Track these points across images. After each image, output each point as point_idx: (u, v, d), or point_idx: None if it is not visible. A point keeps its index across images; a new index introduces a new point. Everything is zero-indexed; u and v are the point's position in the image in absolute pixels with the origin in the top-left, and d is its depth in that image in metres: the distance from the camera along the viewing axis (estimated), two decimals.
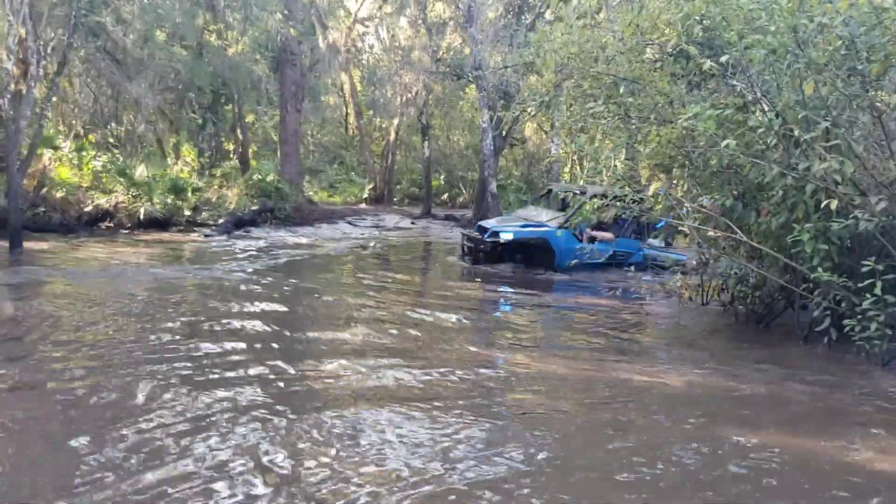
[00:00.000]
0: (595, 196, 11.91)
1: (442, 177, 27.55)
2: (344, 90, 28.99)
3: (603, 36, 7.89)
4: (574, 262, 11.00)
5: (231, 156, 22.64)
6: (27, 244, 10.95)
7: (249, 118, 24.79)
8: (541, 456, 3.79)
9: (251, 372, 4.98)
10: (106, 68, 15.82)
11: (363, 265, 12.11)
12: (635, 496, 3.35)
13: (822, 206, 5.77)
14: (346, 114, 30.90)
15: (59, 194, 14.02)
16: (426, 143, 22.73)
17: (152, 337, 5.77)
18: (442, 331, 6.95)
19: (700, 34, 7.41)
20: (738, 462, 3.79)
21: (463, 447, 3.85)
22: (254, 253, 12.20)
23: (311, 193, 23.15)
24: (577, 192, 11.87)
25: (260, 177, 18.50)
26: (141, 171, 15.52)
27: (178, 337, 5.81)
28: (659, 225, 11.68)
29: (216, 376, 4.85)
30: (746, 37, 6.39)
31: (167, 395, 4.38)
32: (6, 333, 5.78)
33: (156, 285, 8.30)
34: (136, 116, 18.29)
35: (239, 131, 22.65)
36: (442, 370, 5.25)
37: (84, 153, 15.55)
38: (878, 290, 5.41)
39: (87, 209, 14.21)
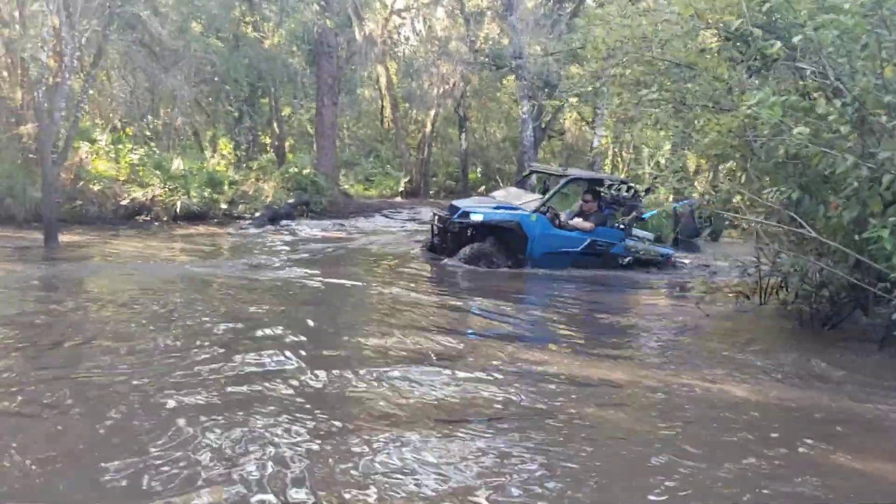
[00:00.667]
0: (578, 179, 11.30)
1: (479, 169, 27.12)
2: (380, 83, 28.71)
3: (658, 18, 7.41)
4: (548, 251, 10.07)
5: (267, 149, 22.49)
6: (63, 237, 10.85)
7: (286, 111, 24.64)
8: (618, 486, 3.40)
9: (286, 387, 4.65)
10: (142, 60, 15.70)
11: (403, 261, 11.74)
12: None
13: None
14: (382, 106, 30.61)
15: (95, 187, 13.94)
16: (463, 136, 22.36)
17: (181, 345, 5.46)
18: (487, 334, 6.60)
19: (762, 17, 6.94)
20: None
21: (515, 466, 3.50)
22: (290, 247, 11.96)
23: (346, 187, 22.91)
24: (559, 174, 11.02)
25: (296, 170, 18.30)
26: (177, 165, 15.40)
27: (209, 344, 5.48)
28: (645, 216, 11.04)
29: (248, 389, 4.54)
30: (817, 16, 5.91)
31: (200, 416, 4.06)
32: (32, 339, 5.53)
33: (190, 283, 8.06)
34: (172, 109, 18.18)
35: (275, 124, 22.49)
36: (491, 379, 4.89)
37: (121, 146, 15.48)
38: None
39: (123, 202, 14.11)
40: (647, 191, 10.54)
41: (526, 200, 10.46)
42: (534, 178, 13.55)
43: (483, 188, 27.40)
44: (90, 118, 16.60)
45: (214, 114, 19.92)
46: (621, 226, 10.47)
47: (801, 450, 3.92)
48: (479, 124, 27.82)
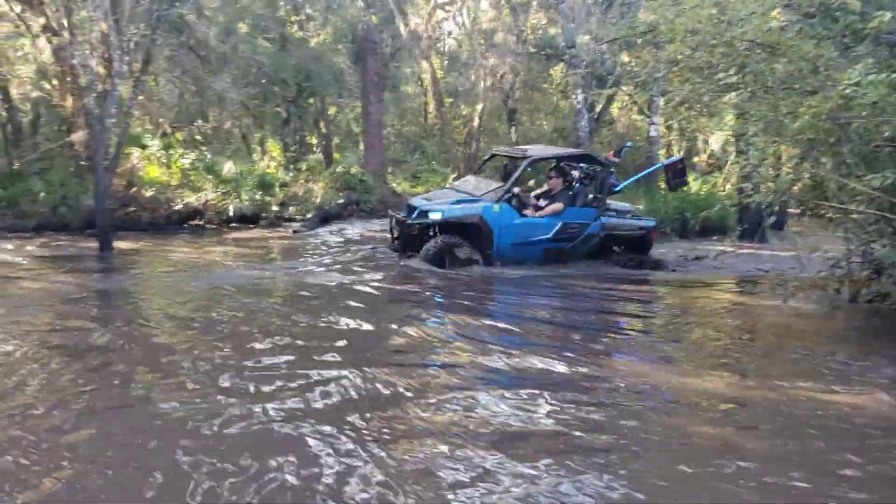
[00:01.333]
0: (541, 160, 10.46)
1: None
2: (423, 78, 28.39)
3: None
4: (517, 242, 9.13)
5: (314, 149, 22.35)
6: (117, 244, 10.76)
7: (331, 110, 24.48)
8: None
9: (346, 408, 4.31)
10: (189, 64, 15.61)
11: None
12: None
13: None
14: (426, 102, 30.29)
15: (148, 193, 13.89)
16: (513, 129, 21.88)
17: (236, 361, 5.16)
18: (555, 344, 6.19)
19: None
20: None
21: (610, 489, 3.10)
22: (343, 248, 11.68)
23: (394, 185, 22.65)
24: (519, 156, 9.86)
25: (344, 169, 18.10)
26: (228, 168, 15.31)
27: (267, 360, 5.16)
28: (617, 189, 10.17)
29: (306, 407, 4.21)
30: None
31: (255, 437, 3.76)
32: (93, 362, 5.29)
33: (246, 292, 7.75)
34: (221, 112, 18.11)
35: (322, 124, 22.33)
36: (569, 397, 4.46)
37: (172, 151, 15.44)
38: None
39: (176, 207, 14.05)
40: (615, 159, 9.99)
41: (487, 190, 9.42)
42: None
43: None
44: (140, 124, 16.60)
45: (262, 115, 19.82)
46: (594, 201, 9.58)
47: None
48: (527, 116, 27.33)
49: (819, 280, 7.63)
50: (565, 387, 4.52)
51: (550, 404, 4.17)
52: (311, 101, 21.18)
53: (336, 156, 21.34)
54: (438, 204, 9.24)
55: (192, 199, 14.28)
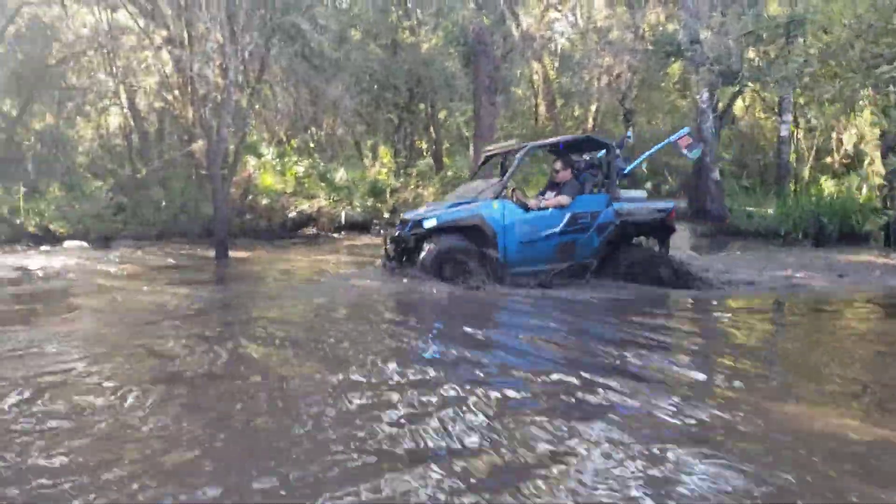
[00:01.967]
0: (537, 148, 9.33)
1: (644, 164, 25.56)
2: (534, 79, 27.84)
3: None
4: (525, 240, 8.05)
5: (424, 154, 22.26)
6: (233, 252, 10.83)
7: (441, 114, 24.36)
8: None
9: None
10: (304, 72, 15.75)
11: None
12: None
13: None
14: (536, 104, 29.71)
15: (263, 201, 14.08)
16: (630, 129, 20.98)
17: (360, 383, 4.80)
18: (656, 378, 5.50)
19: None
20: None
21: None
22: None
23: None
24: (515, 147, 8.91)
25: (454, 174, 17.84)
26: (341, 175, 15.35)
27: (391, 395, 4.79)
28: (626, 171, 8.89)
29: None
30: None
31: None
32: (204, 388, 5.06)
33: (363, 310, 7.42)
34: (334, 120, 18.25)
35: (432, 129, 22.21)
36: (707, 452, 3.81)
37: (286, 159, 15.63)
38: None
39: (290, 215, 14.17)
40: (622, 143, 8.85)
41: (484, 188, 8.52)
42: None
43: (648, 184, 25.81)
44: (256, 132, 16.92)
45: (374, 122, 19.86)
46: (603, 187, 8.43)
47: None
48: (643, 116, 26.30)
49: None
50: (699, 441, 3.90)
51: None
52: (422, 105, 21.09)
53: (446, 160, 21.13)
54: (433, 212, 8.35)
55: (306, 206, 14.36)
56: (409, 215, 8.71)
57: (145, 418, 3.82)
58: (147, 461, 3.25)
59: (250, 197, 13.97)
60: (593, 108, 23.94)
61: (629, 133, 10.58)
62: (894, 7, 6.00)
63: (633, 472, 3.26)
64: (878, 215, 12.42)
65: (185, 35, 11.43)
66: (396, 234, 8.61)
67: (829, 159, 23.11)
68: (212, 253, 10.75)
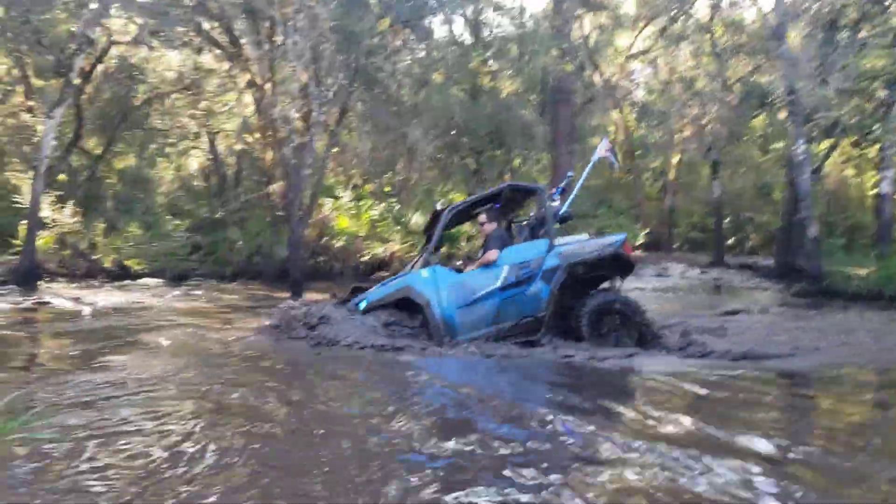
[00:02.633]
0: (456, 210, 8.22)
1: (727, 219, 24.59)
2: (611, 129, 27.32)
3: None
4: (463, 304, 7.27)
5: None
6: (307, 294, 10.58)
7: (515, 161, 24.03)
8: None
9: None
10: (383, 116, 15.64)
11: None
12: None
13: None
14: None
15: (338, 244, 13.86)
16: (716, 182, 20.19)
17: (426, 440, 4.25)
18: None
19: None
20: None
21: None
22: None
23: None
24: (436, 210, 8.23)
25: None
26: (415, 220, 15.06)
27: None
28: (564, 211, 7.77)
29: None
30: None
31: None
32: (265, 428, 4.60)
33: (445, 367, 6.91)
34: (410, 164, 18.07)
35: (508, 176, 21.86)
36: None
37: (361, 203, 15.46)
38: None
39: (364, 258, 13.91)
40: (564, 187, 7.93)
41: (415, 261, 8.03)
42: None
43: (732, 239, 24.77)
44: (333, 175, 16.85)
45: (450, 167, 19.64)
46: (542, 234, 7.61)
47: None
48: (728, 169, 25.46)
49: None
50: None
51: None
52: (498, 152, 20.79)
53: None
54: (370, 293, 7.83)
55: (379, 250, 14.09)
56: (358, 297, 7.96)
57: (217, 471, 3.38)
58: None
59: (325, 239, 13.78)
60: (675, 159, 23.21)
61: (570, 172, 9.64)
62: None
63: None
64: None
65: (269, 77, 11.41)
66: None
67: None
68: (286, 294, 10.50)
